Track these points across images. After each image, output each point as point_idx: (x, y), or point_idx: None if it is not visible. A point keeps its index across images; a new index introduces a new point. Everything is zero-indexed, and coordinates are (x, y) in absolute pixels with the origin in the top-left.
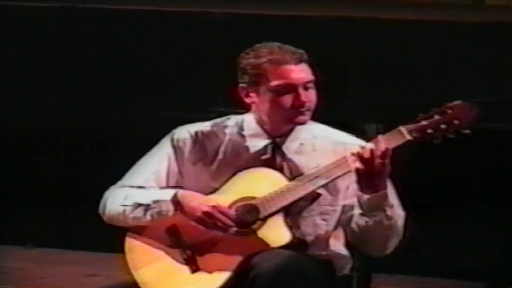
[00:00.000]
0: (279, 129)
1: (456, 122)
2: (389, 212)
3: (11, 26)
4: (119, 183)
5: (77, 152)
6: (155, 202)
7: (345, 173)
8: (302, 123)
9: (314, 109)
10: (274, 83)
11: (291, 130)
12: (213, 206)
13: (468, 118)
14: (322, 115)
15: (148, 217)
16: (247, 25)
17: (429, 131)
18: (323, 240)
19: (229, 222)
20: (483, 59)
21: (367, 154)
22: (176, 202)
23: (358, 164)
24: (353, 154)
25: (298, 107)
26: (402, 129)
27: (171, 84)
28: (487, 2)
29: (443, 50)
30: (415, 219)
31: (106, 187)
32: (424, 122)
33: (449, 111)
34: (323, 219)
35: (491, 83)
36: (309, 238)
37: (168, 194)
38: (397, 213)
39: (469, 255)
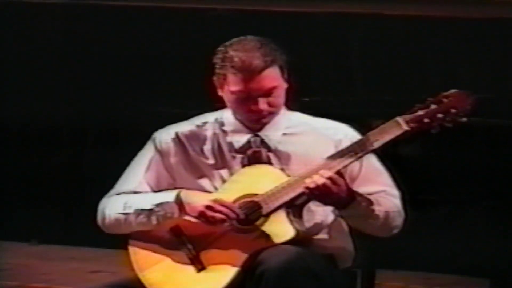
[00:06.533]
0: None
1: (452, 110)
2: (376, 211)
3: (15, 22)
4: (112, 191)
5: (81, 148)
6: (159, 205)
7: (346, 166)
8: (262, 125)
9: (287, 96)
10: (232, 88)
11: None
12: (214, 200)
13: (464, 106)
14: (326, 111)
15: (153, 221)
16: (252, 22)
17: (426, 120)
18: (324, 229)
19: (232, 214)
20: (488, 55)
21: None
22: (179, 202)
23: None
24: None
25: (256, 113)
26: (399, 119)
27: (175, 80)
28: None
29: (447, 46)
30: (419, 214)
31: (110, 183)
32: (420, 112)
33: (445, 100)
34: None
35: (496, 79)
36: (308, 225)
37: (171, 196)
38: (386, 200)
39: (473, 251)
